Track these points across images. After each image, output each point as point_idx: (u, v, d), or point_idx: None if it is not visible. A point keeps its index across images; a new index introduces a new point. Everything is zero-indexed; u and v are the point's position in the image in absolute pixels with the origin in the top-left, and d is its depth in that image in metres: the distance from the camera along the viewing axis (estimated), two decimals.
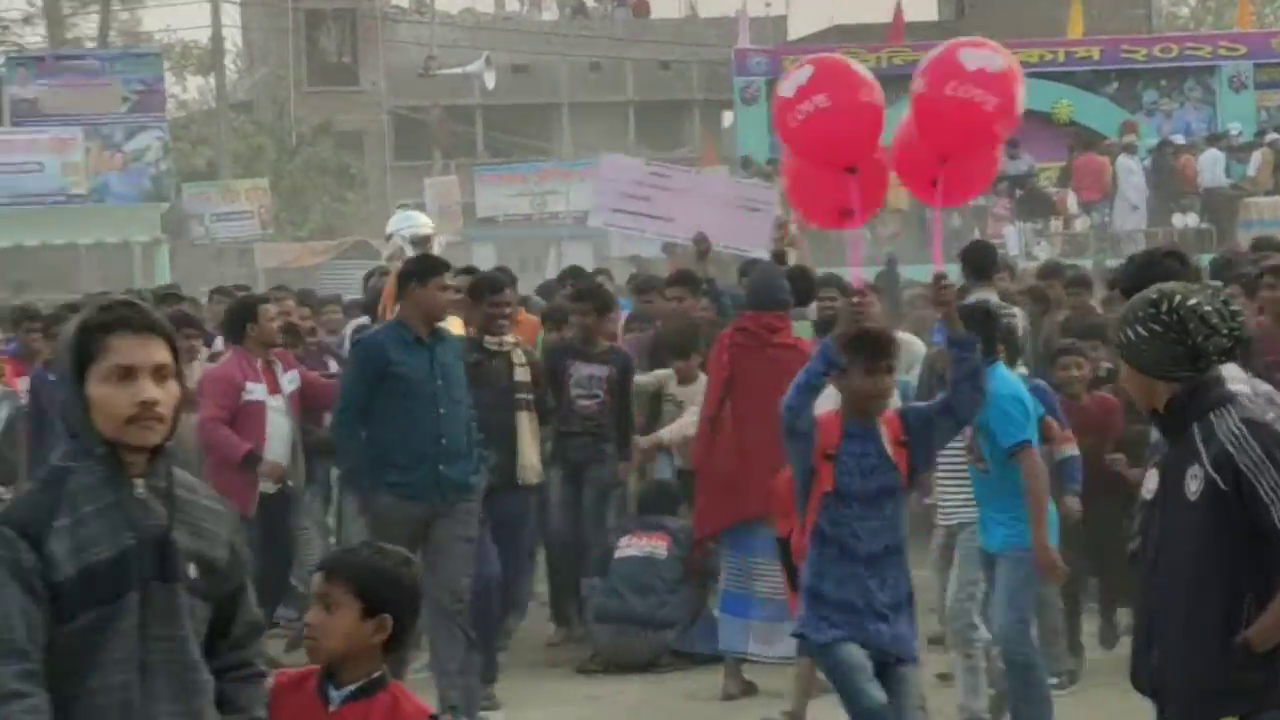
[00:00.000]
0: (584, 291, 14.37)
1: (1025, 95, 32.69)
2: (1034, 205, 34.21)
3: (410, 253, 12.84)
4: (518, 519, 11.57)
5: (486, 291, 11.62)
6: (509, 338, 11.87)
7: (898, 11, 41.68)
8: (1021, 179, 34.44)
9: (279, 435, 12.23)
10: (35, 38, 48.43)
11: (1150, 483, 6.28)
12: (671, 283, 15.03)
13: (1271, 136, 34.20)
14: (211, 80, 56.43)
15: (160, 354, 4.51)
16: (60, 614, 4.42)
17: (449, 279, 10.93)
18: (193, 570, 4.57)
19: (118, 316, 4.50)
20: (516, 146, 53.21)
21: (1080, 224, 33.55)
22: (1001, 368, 9.80)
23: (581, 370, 13.12)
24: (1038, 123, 36.49)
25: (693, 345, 13.39)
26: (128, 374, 4.44)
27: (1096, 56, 38.20)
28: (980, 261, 14.49)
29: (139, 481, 4.49)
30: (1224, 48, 39.21)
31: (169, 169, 38.95)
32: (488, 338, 11.41)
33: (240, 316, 12.58)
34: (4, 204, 36.33)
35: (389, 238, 13.43)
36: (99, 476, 4.47)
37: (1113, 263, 25.65)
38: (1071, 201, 34.09)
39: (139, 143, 37.74)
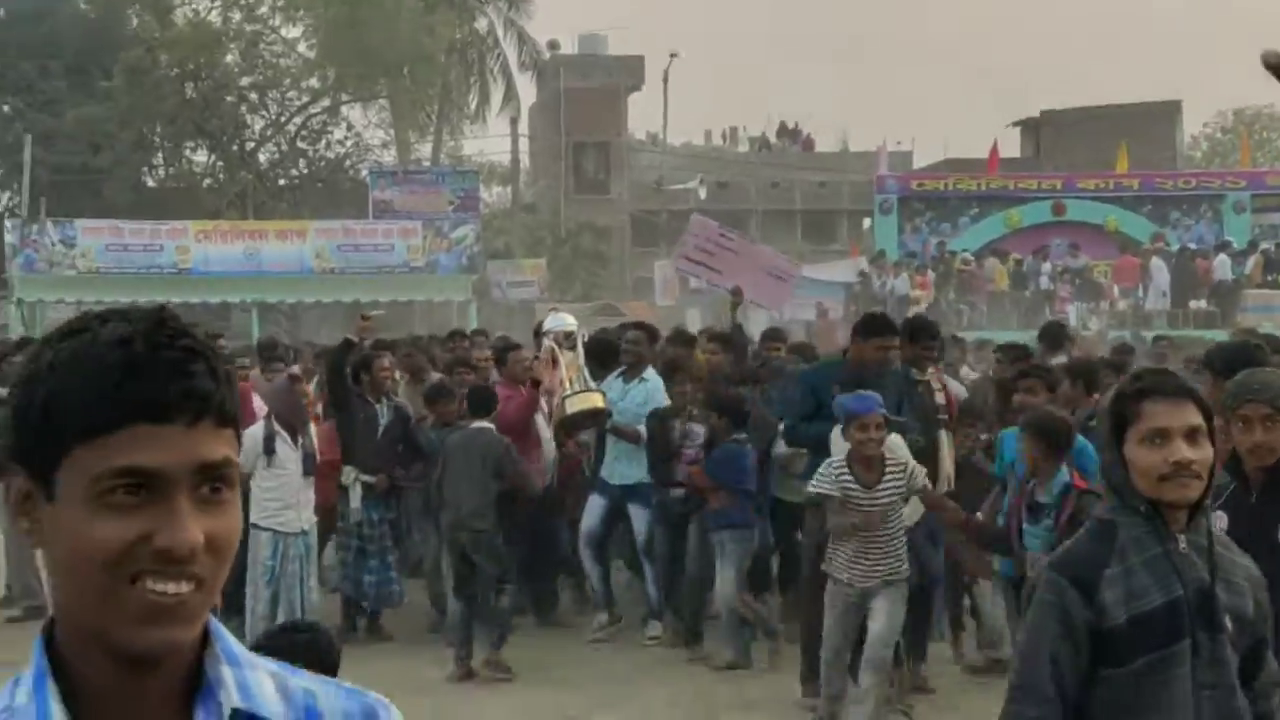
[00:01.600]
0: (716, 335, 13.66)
1: (1083, 212, 32.67)
2: (1088, 290, 34.14)
3: (560, 345, 11.99)
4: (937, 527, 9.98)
5: (922, 335, 10.53)
6: (930, 369, 10.67)
7: (993, 149, 41.64)
8: (1080, 271, 34.46)
9: (547, 443, 12.16)
10: (389, 157, 49.44)
11: (1221, 523, 5.20)
12: (709, 338, 13.72)
13: (1264, 246, 34.14)
14: (509, 189, 57.53)
15: (1192, 417, 3.76)
16: (1114, 657, 3.75)
17: (890, 340, 9.85)
18: (1229, 623, 3.81)
19: (1151, 384, 3.84)
20: None
21: (1122, 305, 33.46)
22: None
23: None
24: (1092, 231, 36.63)
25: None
26: (1162, 436, 3.72)
27: (1136, 185, 38.08)
28: (1056, 335, 14.14)
29: (1181, 537, 3.77)
30: (1229, 181, 38.97)
31: (479, 250, 39.70)
32: (914, 370, 10.22)
33: (498, 357, 12.91)
34: (368, 272, 37.30)
35: (545, 333, 12.32)
36: (1143, 530, 3.79)
37: (1146, 333, 25.70)
38: (1115, 289, 34.15)
39: (459, 233, 38.47)
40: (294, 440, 10.72)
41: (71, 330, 1.70)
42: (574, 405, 11.55)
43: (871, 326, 10.10)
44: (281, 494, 10.62)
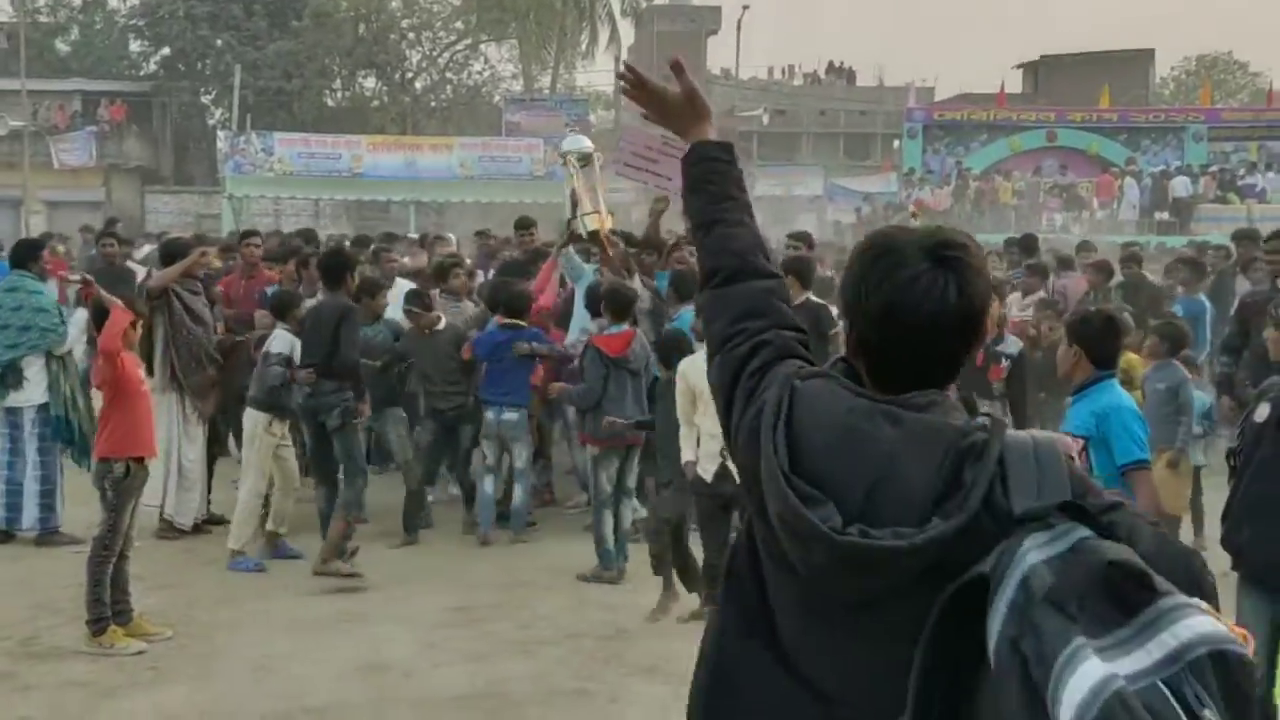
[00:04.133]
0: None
1: (1071, 139, 31.69)
2: (1072, 202, 33.68)
3: (576, 167, 9.79)
4: None
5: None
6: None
7: (1000, 87, 40.90)
8: (1068, 186, 33.99)
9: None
10: (517, 86, 49.25)
11: (1263, 412, 4.95)
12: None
13: (1213, 168, 33.52)
14: (611, 114, 57.16)
15: None
16: None
17: None
18: None
19: None
20: (775, 156, 53.11)
21: (1100, 215, 33.03)
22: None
23: None
24: (1079, 155, 35.89)
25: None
26: None
27: (1115, 118, 37.24)
28: (1029, 243, 13.80)
29: None
30: (1191, 116, 38.01)
31: None
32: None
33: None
34: (500, 179, 37.33)
35: (563, 154, 10.18)
36: None
37: (1118, 239, 25.39)
38: (1095, 201, 33.73)
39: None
40: None
41: None
42: (590, 224, 9.68)
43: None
44: None
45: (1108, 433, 5.02)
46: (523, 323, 9.46)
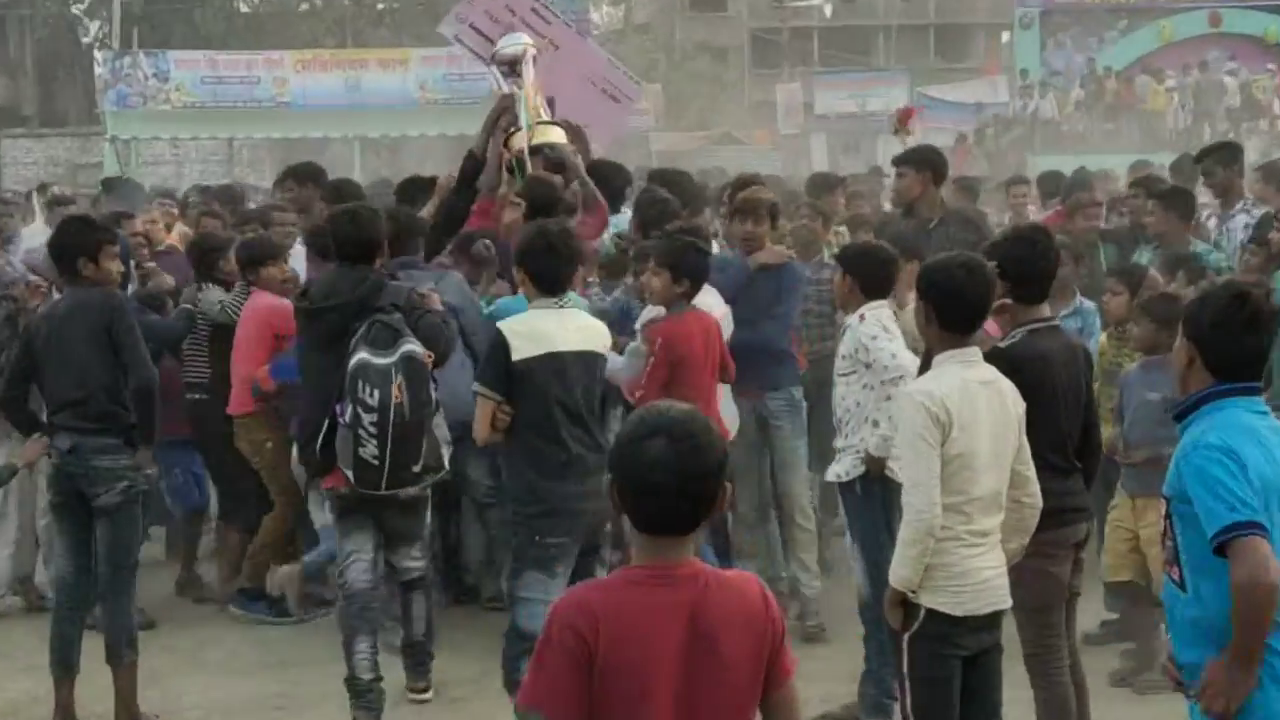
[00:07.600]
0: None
1: (1241, 22, 31.89)
2: (1247, 108, 33.61)
3: (503, 81, 9.56)
4: None
5: None
6: None
7: None
8: (1241, 86, 33.96)
9: None
10: None
11: None
12: None
13: None
14: (620, 8, 57.06)
15: None
16: None
17: None
18: None
19: None
20: (844, 59, 52.90)
21: None
22: None
23: None
24: (1253, 43, 35.70)
25: None
26: None
27: None
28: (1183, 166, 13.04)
29: None
30: None
31: None
32: None
33: None
34: (474, 103, 37.11)
35: (493, 61, 9.74)
36: None
37: None
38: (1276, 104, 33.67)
39: None
40: None
41: None
42: (536, 137, 9.25)
43: None
44: None
45: (1188, 486, 4.06)
46: None
